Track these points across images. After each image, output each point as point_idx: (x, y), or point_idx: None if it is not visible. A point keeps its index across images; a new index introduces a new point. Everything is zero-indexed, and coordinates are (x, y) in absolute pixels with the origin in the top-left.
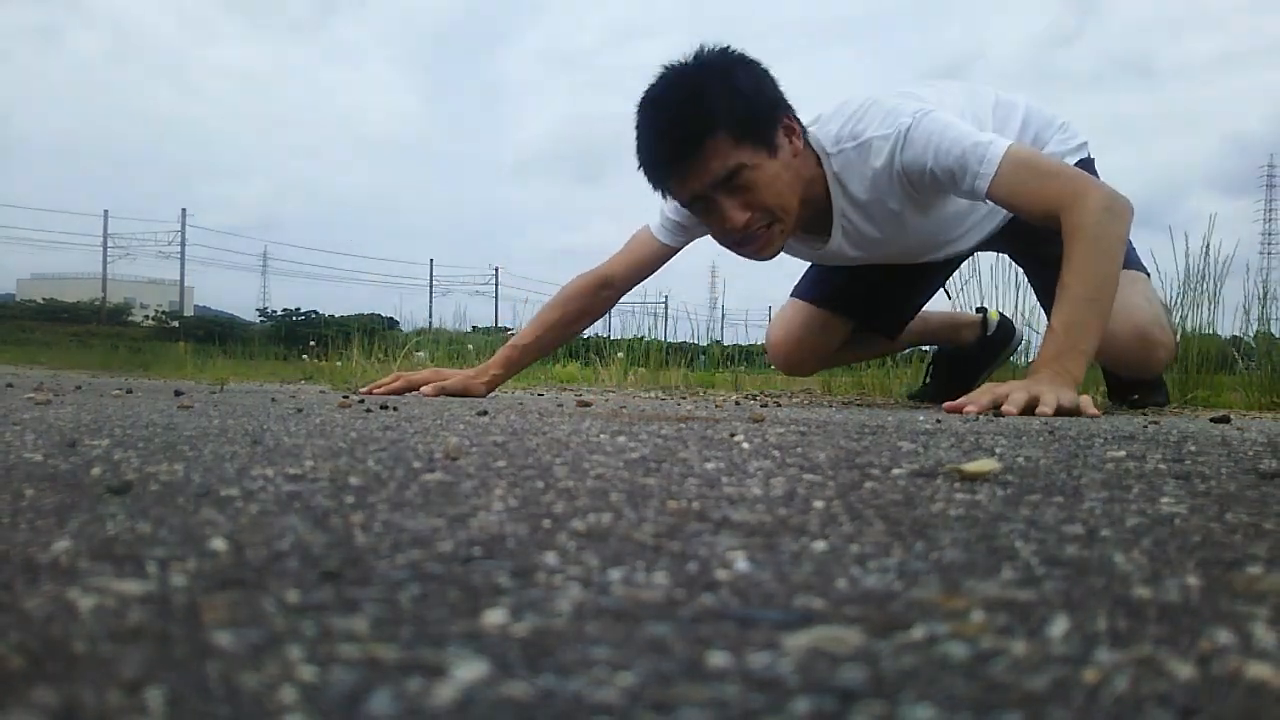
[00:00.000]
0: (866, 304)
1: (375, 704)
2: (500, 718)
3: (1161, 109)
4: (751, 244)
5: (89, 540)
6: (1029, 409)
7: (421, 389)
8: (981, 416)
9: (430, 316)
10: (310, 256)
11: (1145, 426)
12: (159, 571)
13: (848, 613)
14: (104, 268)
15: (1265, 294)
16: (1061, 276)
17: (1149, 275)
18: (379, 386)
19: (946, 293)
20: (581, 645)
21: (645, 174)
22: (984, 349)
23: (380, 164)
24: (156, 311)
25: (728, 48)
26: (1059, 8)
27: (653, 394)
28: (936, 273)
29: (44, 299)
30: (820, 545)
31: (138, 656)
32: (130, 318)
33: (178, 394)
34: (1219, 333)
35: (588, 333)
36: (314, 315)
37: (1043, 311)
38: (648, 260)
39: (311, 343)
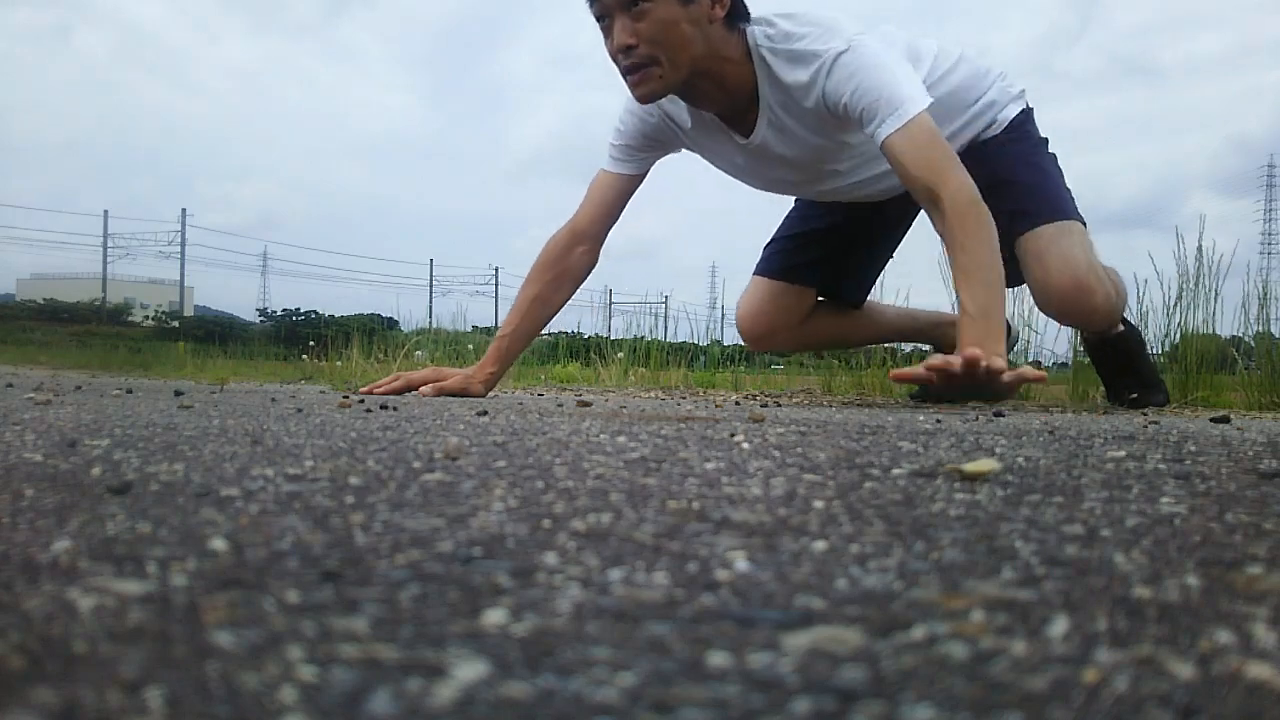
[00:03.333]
0: (823, 270)
1: (375, 704)
2: (500, 718)
3: (1163, 109)
4: (632, 75)
5: (89, 540)
6: (973, 365)
7: (420, 389)
8: (981, 417)
9: (430, 316)
10: (310, 256)
11: (1145, 427)
12: (159, 571)
13: (848, 613)
14: (104, 268)
15: (1265, 294)
16: (958, 259)
17: (1085, 224)
18: (379, 386)
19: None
20: (581, 645)
21: None
22: None
23: (380, 164)
24: (156, 311)
25: None
26: (1061, 8)
27: (653, 394)
28: (887, 235)
29: (44, 299)
30: (820, 545)
31: (138, 657)
32: (130, 318)
33: (178, 394)
34: (1219, 333)
35: (588, 333)
36: (314, 315)
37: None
38: (612, 199)
39: (311, 343)
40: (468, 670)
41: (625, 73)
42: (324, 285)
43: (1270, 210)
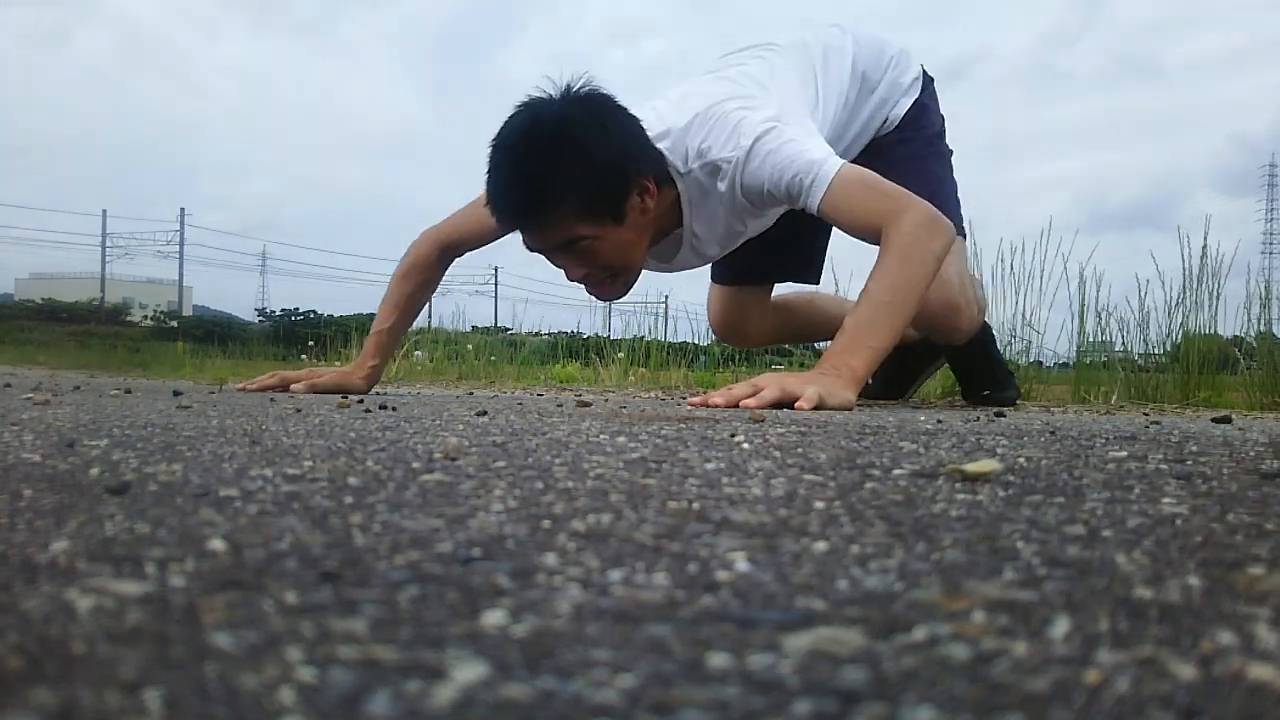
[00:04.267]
0: (767, 266)
1: (374, 705)
2: (500, 719)
3: (1165, 109)
4: (594, 289)
5: (87, 541)
6: (779, 404)
7: (292, 386)
8: (983, 418)
9: (429, 316)
10: (309, 256)
11: (1146, 427)
12: (157, 572)
13: (848, 614)
14: (103, 267)
15: (1267, 294)
16: (867, 281)
17: (964, 239)
18: (253, 383)
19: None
20: (581, 646)
21: (491, 208)
22: (926, 350)
23: (380, 163)
24: (155, 311)
25: (595, 93)
26: (1063, 7)
27: (653, 394)
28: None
29: (43, 299)
30: (821, 546)
31: (136, 657)
32: (129, 317)
33: (176, 394)
34: (1221, 333)
35: (588, 332)
36: (313, 315)
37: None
38: (485, 234)
39: (310, 342)
40: (467, 671)
41: (587, 287)
42: (323, 285)
43: (1272, 210)
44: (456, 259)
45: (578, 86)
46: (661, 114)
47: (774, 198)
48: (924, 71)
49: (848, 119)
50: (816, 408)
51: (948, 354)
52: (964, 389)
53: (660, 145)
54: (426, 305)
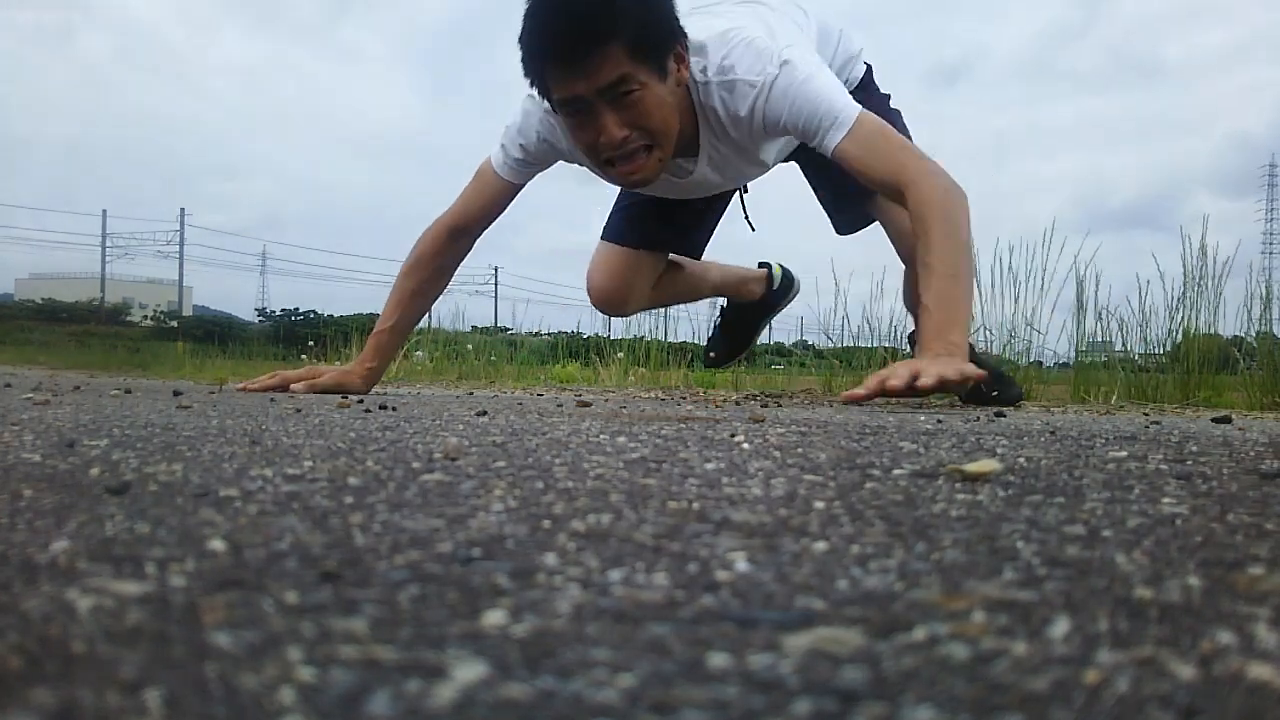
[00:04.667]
0: (674, 237)
1: (374, 705)
2: (500, 719)
3: (1165, 108)
4: (626, 164)
5: (87, 541)
6: (911, 384)
7: (292, 386)
8: (982, 417)
9: (429, 317)
10: (309, 256)
11: (1146, 427)
12: (158, 572)
13: (848, 613)
14: (103, 267)
15: (1267, 294)
16: (921, 256)
17: None
18: (254, 383)
19: (750, 225)
20: (581, 646)
21: (525, 62)
22: (766, 303)
23: (380, 163)
24: (155, 311)
25: None
26: (1063, 6)
27: (653, 394)
28: (726, 195)
29: (43, 299)
30: (821, 546)
31: (136, 657)
32: (129, 318)
33: (176, 394)
34: (1221, 333)
35: (588, 332)
36: (313, 315)
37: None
38: (496, 200)
39: (310, 343)
40: (467, 671)
41: (610, 162)
42: (323, 285)
43: (1272, 210)
44: (471, 244)
45: None
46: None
47: (787, 131)
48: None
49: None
50: (939, 385)
51: None
52: (962, 394)
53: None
54: (436, 298)
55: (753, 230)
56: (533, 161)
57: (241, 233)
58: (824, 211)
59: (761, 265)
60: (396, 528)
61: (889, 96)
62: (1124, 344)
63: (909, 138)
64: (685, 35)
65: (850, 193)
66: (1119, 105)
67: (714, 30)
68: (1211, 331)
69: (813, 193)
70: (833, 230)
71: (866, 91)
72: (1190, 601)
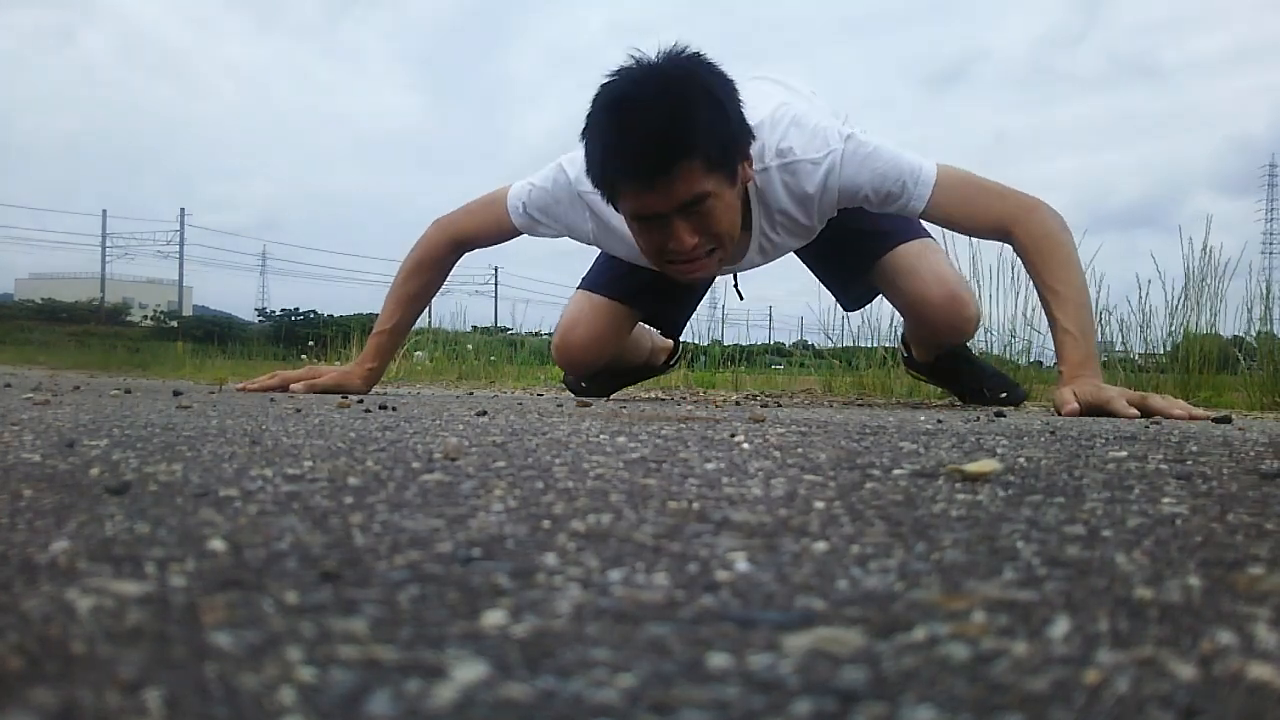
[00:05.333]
0: (659, 300)
1: (374, 705)
2: (500, 719)
3: (1164, 109)
4: (688, 265)
5: (87, 541)
6: (1093, 410)
7: (291, 386)
8: (982, 417)
9: (430, 316)
10: (309, 256)
11: (1146, 426)
12: (157, 572)
13: (848, 614)
14: (103, 267)
15: (1268, 294)
16: (1049, 284)
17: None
18: (254, 384)
19: (739, 294)
20: (581, 646)
21: (597, 177)
22: (655, 368)
23: (381, 164)
24: (155, 311)
25: (700, 54)
26: (1063, 8)
27: (653, 394)
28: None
29: (42, 299)
30: (821, 546)
31: (136, 657)
32: (129, 318)
33: (176, 394)
34: (1221, 333)
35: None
36: (313, 315)
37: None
38: (503, 233)
39: (310, 343)
40: (467, 671)
41: (668, 262)
42: (323, 285)
43: (1272, 210)
44: (465, 253)
45: (683, 50)
46: None
47: (869, 200)
48: None
49: None
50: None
51: (947, 363)
52: (972, 392)
53: None
54: (429, 302)
55: (740, 299)
56: (547, 225)
57: (241, 233)
58: (829, 292)
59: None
60: (396, 528)
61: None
62: (1124, 344)
63: None
64: (752, 135)
65: (850, 273)
66: (1119, 107)
67: (760, 112)
68: (1212, 331)
69: (815, 277)
70: (841, 309)
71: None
72: (1190, 601)
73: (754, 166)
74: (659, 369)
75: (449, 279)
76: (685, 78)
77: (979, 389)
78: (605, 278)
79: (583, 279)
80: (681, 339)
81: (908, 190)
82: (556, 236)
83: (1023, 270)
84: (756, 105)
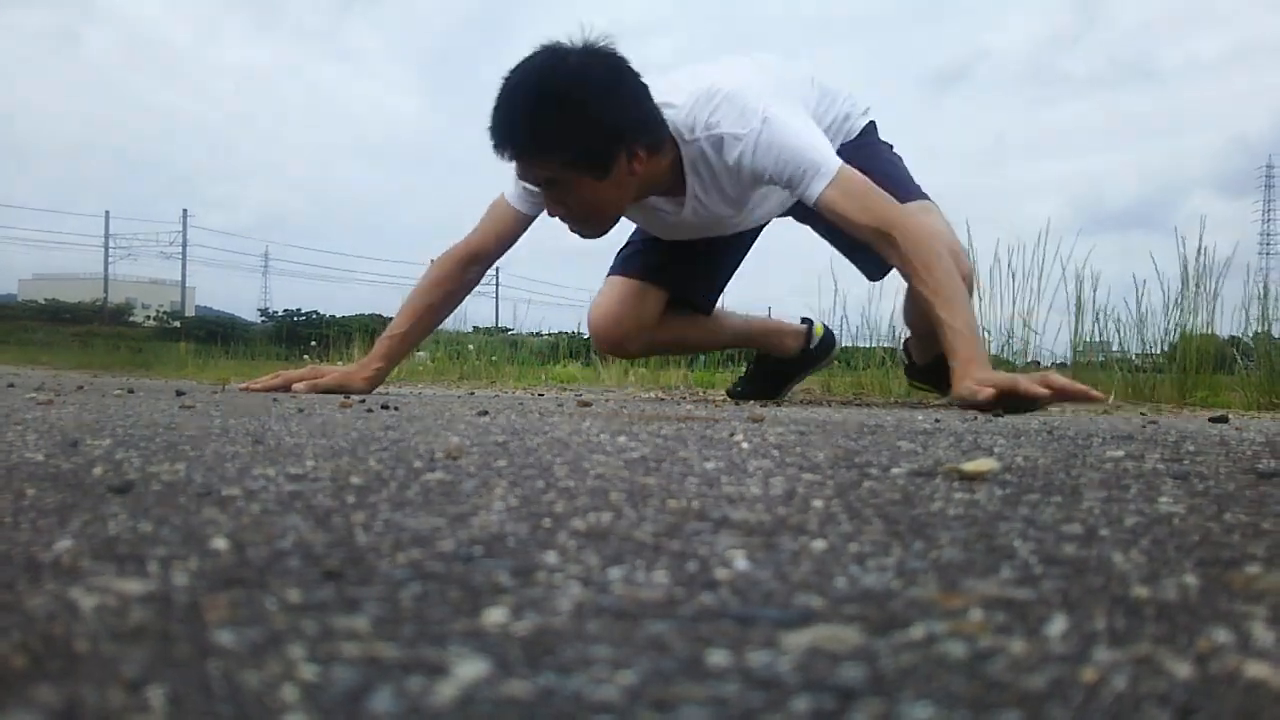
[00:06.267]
0: (676, 274)
1: (376, 702)
2: (501, 716)
3: (1162, 110)
4: (571, 227)
5: (91, 540)
6: (1004, 396)
7: (294, 386)
8: (981, 417)
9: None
10: (312, 257)
11: (1144, 426)
12: (161, 571)
13: (847, 611)
14: (106, 268)
15: (1265, 294)
16: (932, 287)
17: (930, 200)
18: (256, 383)
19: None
20: (582, 644)
21: (489, 134)
22: (803, 360)
23: (382, 164)
24: (158, 312)
25: (614, 54)
26: (1062, 9)
27: (653, 394)
28: (739, 245)
29: (46, 299)
30: (819, 544)
31: (139, 655)
32: (132, 318)
33: (179, 394)
34: (1218, 333)
35: (588, 333)
36: (315, 315)
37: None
38: (509, 231)
39: (313, 343)
40: (469, 669)
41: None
42: (325, 285)
43: (1269, 211)
44: (484, 271)
45: (599, 44)
46: (676, 83)
47: (774, 181)
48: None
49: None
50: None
51: (935, 368)
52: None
53: (667, 113)
54: (446, 318)
55: (737, 267)
56: (540, 198)
57: (244, 233)
58: (853, 265)
59: (804, 321)
60: (398, 526)
61: (890, 145)
62: (1121, 344)
63: (912, 183)
64: (643, 139)
65: (857, 242)
66: (1117, 108)
67: (700, 88)
68: (1208, 332)
69: (834, 249)
70: (865, 279)
71: (866, 141)
72: (1187, 600)
73: (686, 138)
74: (802, 360)
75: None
76: (571, 79)
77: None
78: (620, 258)
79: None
80: (818, 323)
81: (805, 179)
82: None
83: (1020, 271)
84: (700, 84)
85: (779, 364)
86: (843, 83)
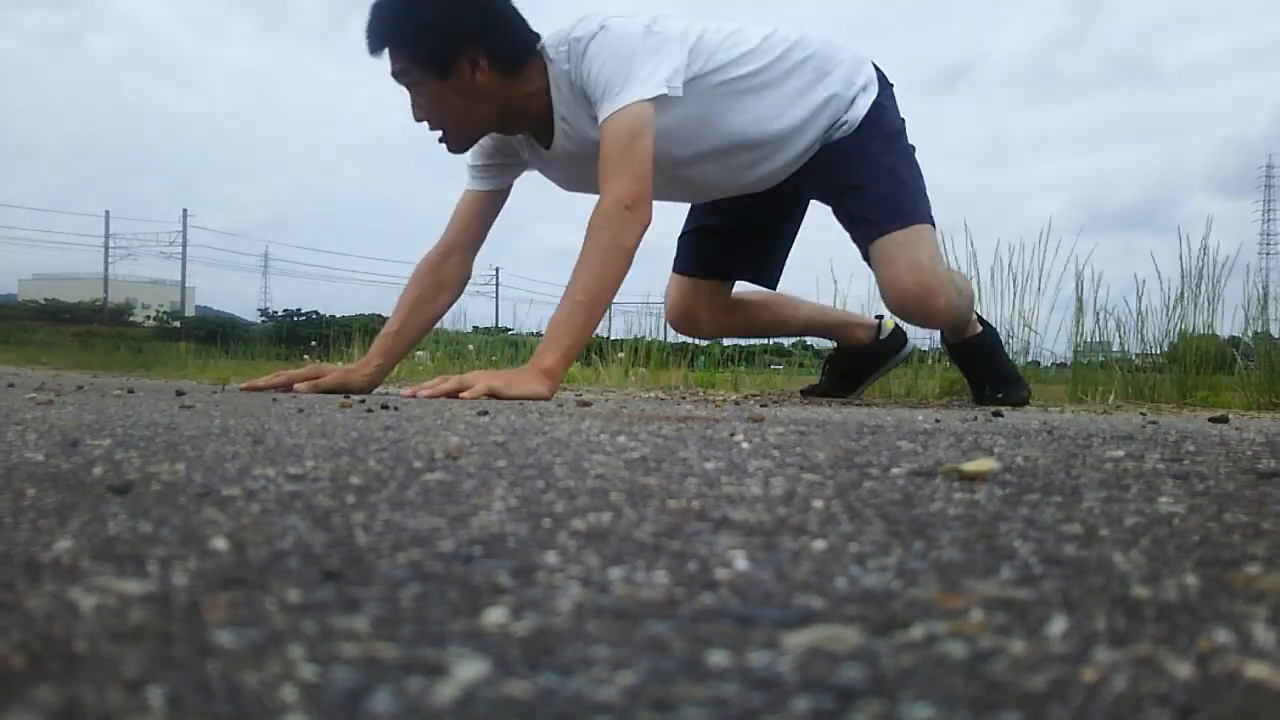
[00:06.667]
0: (727, 261)
1: (376, 703)
2: (501, 717)
3: (1162, 111)
4: (440, 135)
5: (90, 540)
6: (454, 394)
7: (295, 386)
8: (980, 416)
9: None
10: (312, 257)
11: (1144, 426)
12: (160, 571)
13: (847, 611)
14: (105, 268)
15: (1265, 294)
16: (573, 272)
17: (934, 225)
18: (258, 382)
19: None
20: (582, 644)
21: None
22: (873, 352)
23: (382, 165)
24: (158, 312)
25: None
26: (1063, 10)
27: (653, 394)
28: (781, 222)
29: (46, 299)
30: (819, 544)
31: (139, 656)
32: (132, 318)
33: (179, 394)
34: (1218, 333)
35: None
36: (315, 315)
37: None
38: (476, 214)
39: (313, 343)
40: (468, 669)
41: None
42: (325, 285)
43: (1269, 211)
44: (465, 262)
45: None
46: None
47: (589, 94)
48: (881, 75)
49: (800, 104)
50: (492, 396)
51: (955, 356)
52: (973, 389)
53: (546, 38)
54: (443, 312)
55: (791, 241)
56: (486, 162)
57: (244, 234)
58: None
59: (877, 317)
60: (398, 526)
61: (901, 132)
62: (1121, 344)
63: (911, 175)
64: (482, 46)
65: (859, 221)
66: (1117, 109)
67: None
68: (1209, 332)
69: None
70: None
71: (869, 132)
72: (1187, 600)
73: (552, 55)
74: (876, 351)
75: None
76: None
77: (983, 385)
78: (677, 253)
79: None
80: (888, 318)
81: (602, 102)
82: (510, 161)
83: (1021, 271)
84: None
85: (852, 361)
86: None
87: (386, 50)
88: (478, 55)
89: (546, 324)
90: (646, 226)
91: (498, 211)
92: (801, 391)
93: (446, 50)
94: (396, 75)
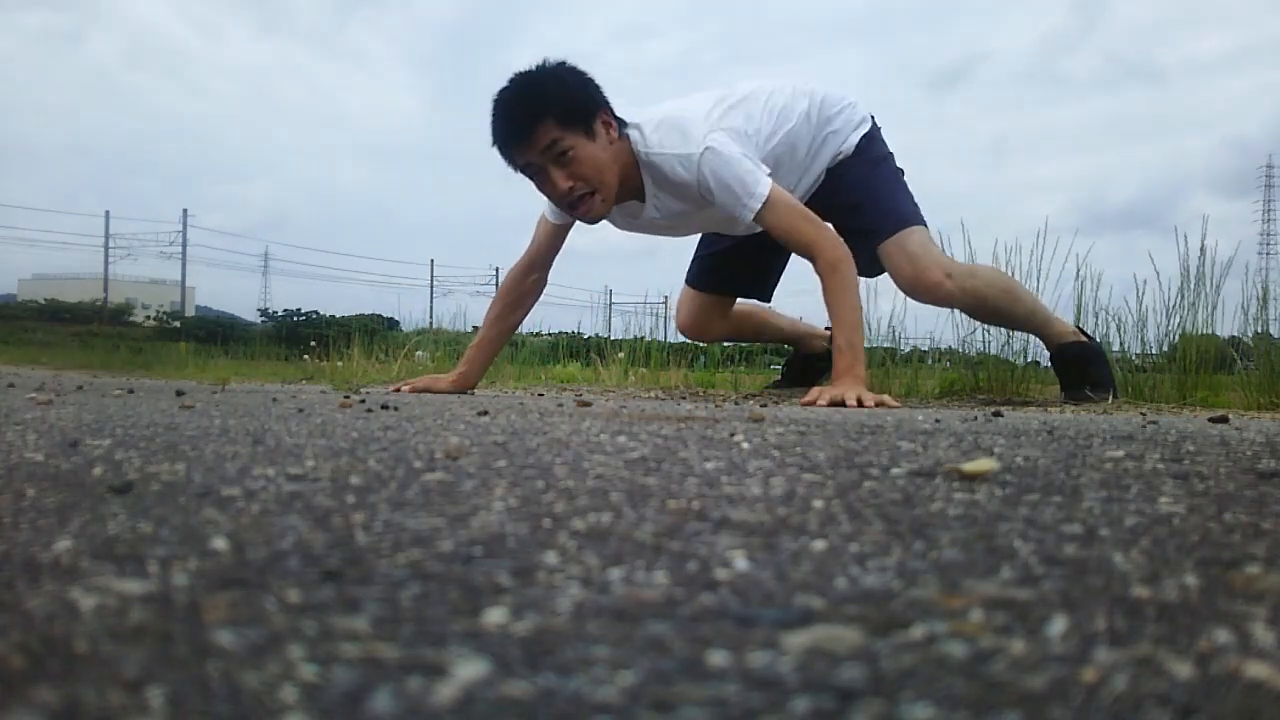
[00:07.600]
0: (732, 279)
1: (376, 703)
2: (501, 716)
3: (1162, 111)
4: (579, 207)
5: (90, 540)
6: (834, 404)
7: (417, 386)
8: (980, 416)
9: (430, 317)
10: (312, 257)
11: (1144, 426)
12: (160, 571)
13: (847, 612)
14: (105, 268)
15: (1264, 294)
16: (832, 306)
17: (925, 224)
18: (409, 385)
19: None
20: (582, 644)
21: (498, 151)
22: (823, 356)
23: (382, 165)
24: (158, 312)
25: (564, 61)
26: (1062, 10)
27: (653, 394)
28: (775, 250)
29: (45, 299)
30: (819, 544)
31: (139, 656)
32: (132, 318)
33: (179, 394)
34: (1218, 333)
35: (588, 333)
36: (315, 315)
37: None
38: (549, 240)
39: (312, 343)
40: (468, 669)
41: (570, 208)
42: (325, 285)
43: (1269, 211)
44: (544, 277)
45: (550, 60)
46: (641, 109)
47: (713, 197)
48: (872, 118)
49: (800, 145)
50: (858, 404)
51: (1053, 361)
52: (1063, 385)
53: (630, 131)
54: (520, 323)
55: (783, 266)
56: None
57: (244, 234)
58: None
59: (827, 329)
60: (398, 527)
61: (889, 156)
62: (1121, 344)
63: (898, 187)
64: (608, 107)
65: (862, 258)
66: (1117, 109)
67: (656, 116)
68: (1209, 332)
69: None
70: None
71: (860, 156)
72: (1187, 600)
73: (641, 150)
74: (826, 357)
75: (451, 280)
76: (538, 70)
77: (1080, 386)
78: (690, 269)
79: None
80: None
81: (743, 202)
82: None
83: (1020, 271)
84: (661, 111)
85: (806, 362)
86: (845, 85)
87: (528, 136)
88: (605, 113)
89: (834, 349)
90: (852, 261)
91: (565, 237)
92: (765, 389)
93: (591, 109)
94: (542, 154)
